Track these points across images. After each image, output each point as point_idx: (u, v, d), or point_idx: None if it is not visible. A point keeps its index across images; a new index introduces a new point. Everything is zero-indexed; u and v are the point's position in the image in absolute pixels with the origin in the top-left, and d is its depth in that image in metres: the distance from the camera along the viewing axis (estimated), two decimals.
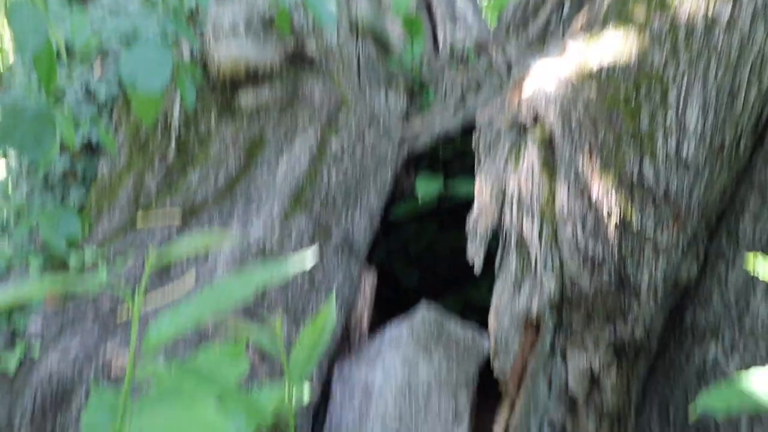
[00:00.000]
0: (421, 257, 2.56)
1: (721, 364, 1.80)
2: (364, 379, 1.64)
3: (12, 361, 1.28)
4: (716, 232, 1.90)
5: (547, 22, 2.66)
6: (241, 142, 1.85)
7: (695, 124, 1.62)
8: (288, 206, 1.66)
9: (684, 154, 1.59)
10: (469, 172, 2.60)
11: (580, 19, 2.00)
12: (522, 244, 1.47)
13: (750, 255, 1.07)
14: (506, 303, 1.43)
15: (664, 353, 1.92)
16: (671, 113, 1.61)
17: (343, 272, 1.66)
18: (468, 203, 2.29)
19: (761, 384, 0.98)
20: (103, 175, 1.79)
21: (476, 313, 2.50)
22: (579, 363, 1.45)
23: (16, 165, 1.90)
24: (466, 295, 2.52)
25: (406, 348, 1.73)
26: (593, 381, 1.45)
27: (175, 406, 0.64)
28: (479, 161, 1.73)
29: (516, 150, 1.65)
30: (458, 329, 1.79)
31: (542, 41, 2.68)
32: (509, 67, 2.60)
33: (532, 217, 1.49)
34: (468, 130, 2.40)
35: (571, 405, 1.46)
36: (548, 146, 1.61)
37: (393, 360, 1.70)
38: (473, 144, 1.79)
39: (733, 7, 1.68)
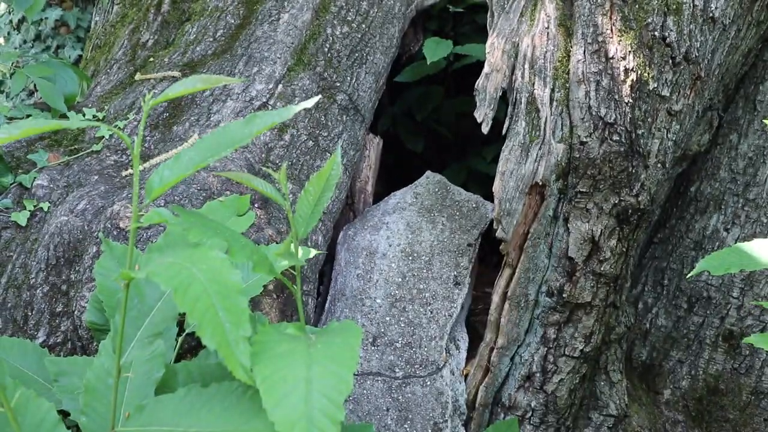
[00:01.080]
0: (427, 123, 2.51)
1: (721, 234, 1.82)
2: (368, 243, 1.66)
3: (23, 217, 1.29)
4: (733, 99, 1.84)
5: None
6: None
7: None
8: (291, 63, 1.58)
9: (712, 9, 1.49)
10: (481, 32, 2.47)
11: None
12: (532, 106, 1.42)
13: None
14: (513, 167, 1.41)
15: (665, 223, 1.94)
16: None
17: (348, 134, 1.63)
18: (477, 67, 2.20)
19: (760, 247, 0.98)
20: (96, 28, 1.70)
21: (479, 182, 2.50)
22: (581, 228, 1.45)
23: (5, 17, 1.80)
24: (470, 164, 2.50)
25: (410, 213, 1.73)
26: (594, 246, 1.47)
27: (182, 251, 0.63)
28: (492, 16, 1.63)
29: (532, 4, 1.54)
30: (462, 195, 1.78)
31: None
32: None
33: (545, 77, 1.43)
34: None
35: (570, 270, 1.49)
36: (566, 0, 1.50)
37: (397, 224, 1.72)
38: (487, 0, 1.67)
39: None
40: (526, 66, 1.45)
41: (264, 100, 1.50)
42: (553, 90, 1.41)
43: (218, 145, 0.67)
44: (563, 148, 1.41)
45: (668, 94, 1.46)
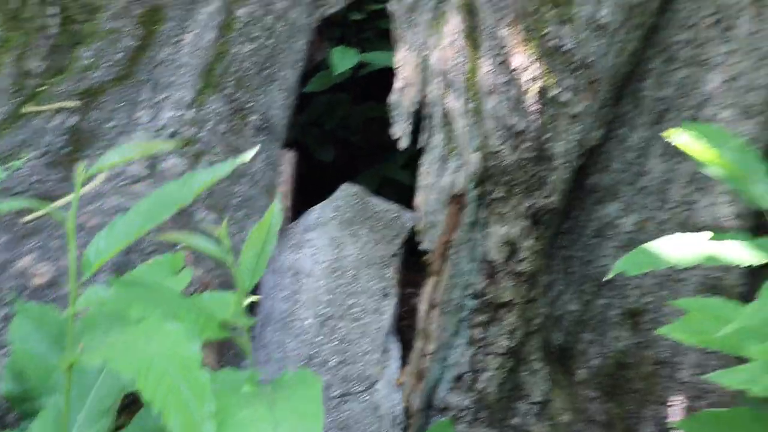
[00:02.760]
0: (336, 131, 2.50)
1: (618, 222, 1.96)
2: (293, 262, 1.64)
3: None
4: (621, 96, 1.98)
5: None
6: (135, 11, 1.64)
7: None
8: (200, 87, 1.53)
9: (601, 17, 1.59)
10: (383, 37, 2.49)
11: None
12: (447, 119, 1.46)
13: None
14: (433, 179, 1.44)
15: (568, 214, 2.06)
16: None
17: (265, 154, 1.60)
18: (383, 73, 2.22)
19: (666, 246, 1.07)
20: None
21: (393, 187, 2.53)
22: (499, 232, 1.52)
23: None
24: (382, 170, 2.53)
25: (332, 228, 1.73)
26: (512, 248, 1.54)
27: (131, 328, 0.60)
28: (397, 29, 1.65)
29: (438, 18, 1.58)
30: (381, 205, 1.81)
31: None
32: None
33: (457, 90, 1.47)
34: None
35: (492, 272, 1.55)
36: (470, 12, 1.55)
37: (320, 241, 1.71)
38: (389, 8, 1.69)
39: None
40: (439, 80, 1.48)
41: (175, 128, 1.44)
42: (465, 102, 1.46)
43: (157, 208, 0.64)
44: (478, 157, 1.46)
45: (569, 99, 1.55)
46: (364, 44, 2.43)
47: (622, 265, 1.04)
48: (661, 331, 1.02)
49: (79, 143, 1.43)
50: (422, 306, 1.59)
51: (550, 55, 1.52)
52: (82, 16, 1.71)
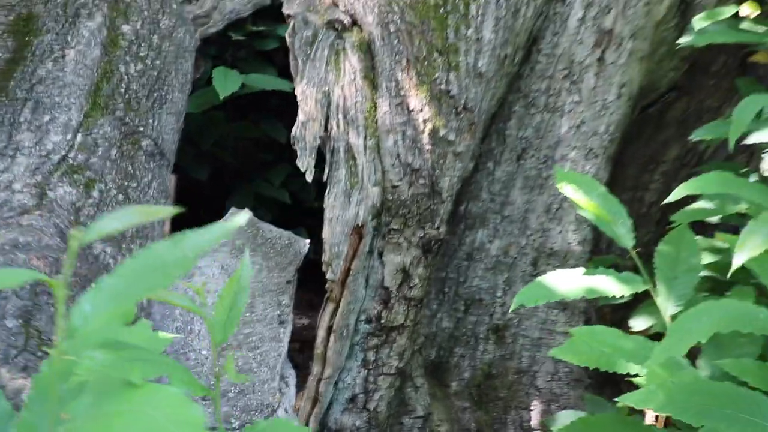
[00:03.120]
0: (210, 150, 2.45)
1: (486, 246, 2.17)
2: (183, 292, 1.59)
3: None
4: (488, 133, 2.20)
5: None
6: (2, 18, 1.50)
7: (489, 37, 1.80)
8: (87, 108, 1.43)
9: (480, 66, 1.77)
10: (259, 57, 2.49)
11: None
12: (350, 154, 1.53)
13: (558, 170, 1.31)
14: (338, 212, 1.50)
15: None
16: (472, 26, 1.75)
17: (157, 181, 1.54)
18: (259, 94, 2.23)
19: (557, 279, 1.24)
20: None
21: (267, 205, 2.54)
22: (394, 260, 1.62)
23: None
24: (257, 189, 2.53)
25: (223, 255, 1.71)
26: (405, 275, 1.65)
27: (130, 394, 0.59)
28: (295, 60, 1.68)
29: (336, 54, 1.64)
30: (273, 232, 1.81)
31: None
32: None
33: (358, 127, 1.55)
34: (259, 10, 2.27)
35: (386, 298, 1.65)
36: (367, 52, 1.64)
37: (211, 269, 1.68)
38: (288, 41, 1.72)
39: None
40: (340, 116, 1.55)
41: (63, 153, 1.34)
42: (365, 139, 1.54)
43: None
44: (378, 191, 1.55)
45: (454, 139, 1.70)
46: (242, 64, 2.42)
47: (520, 298, 1.19)
48: (553, 353, 1.18)
49: None
50: (321, 331, 1.63)
51: (439, 99, 1.66)
52: None
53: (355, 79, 1.59)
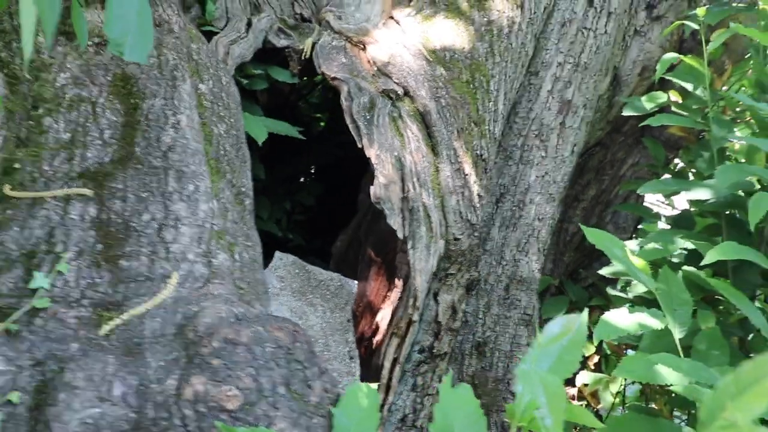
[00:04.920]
0: None
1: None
2: None
3: None
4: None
5: None
6: (101, 78, 1.51)
7: (501, 107, 2.18)
8: (210, 174, 1.52)
9: (496, 132, 2.14)
10: (248, 96, 2.61)
11: None
12: (425, 212, 1.79)
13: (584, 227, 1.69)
14: (423, 265, 1.76)
15: None
16: (492, 99, 2.11)
17: (256, 236, 1.66)
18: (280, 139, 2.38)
19: (616, 318, 1.65)
20: None
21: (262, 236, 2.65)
22: (447, 299, 1.92)
23: None
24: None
25: (286, 299, 1.86)
26: (453, 311, 1.95)
27: None
28: (356, 125, 1.89)
29: (395, 122, 1.89)
30: (323, 274, 2.00)
31: None
32: None
33: (428, 189, 1.82)
34: (258, 54, 2.42)
35: (437, 331, 1.94)
36: (424, 122, 1.91)
37: (281, 312, 1.82)
38: (344, 105, 1.91)
39: (521, 12, 2.24)
40: (414, 179, 1.81)
41: (211, 220, 1.43)
42: (434, 199, 1.82)
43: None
44: (443, 243, 1.84)
45: (484, 194, 2.05)
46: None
47: (599, 336, 1.57)
48: (616, 372, 1.59)
49: (110, 238, 1.29)
50: (386, 363, 1.87)
51: (476, 163, 1.99)
52: (26, 74, 1.47)
53: (419, 146, 1.86)
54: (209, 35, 2.25)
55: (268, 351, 1.13)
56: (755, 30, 1.90)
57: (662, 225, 3.30)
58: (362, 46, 2.11)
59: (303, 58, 2.32)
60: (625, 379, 2.81)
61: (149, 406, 1.04)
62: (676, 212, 2.79)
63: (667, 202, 3.36)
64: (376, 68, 2.01)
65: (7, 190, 1.28)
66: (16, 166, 1.34)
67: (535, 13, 2.31)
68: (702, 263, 1.69)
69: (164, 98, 1.56)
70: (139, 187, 1.39)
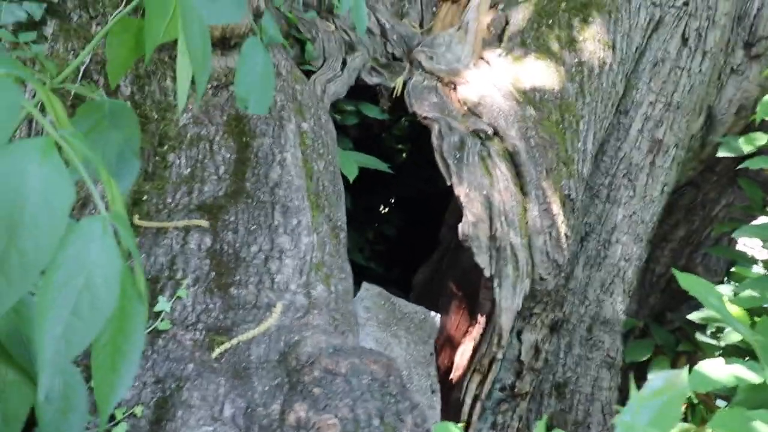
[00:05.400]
0: None
1: None
2: None
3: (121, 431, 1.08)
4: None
5: None
6: (217, 118, 1.65)
7: (590, 148, 2.18)
8: (311, 209, 1.62)
9: (584, 172, 2.14)
10: (340, 131, 2.73)
11: (481, 22, 2.29)
12: (512, 251, 1.82)
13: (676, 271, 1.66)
14: (509, 303, 1.78)
15: None
16: (581, 139, 2.13)
17: (347, 268, 1.74)
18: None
19: (709, 369, 1.60)
20: None
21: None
22: (530, 339, 1.93)
23: None
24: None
25: (371, 329, 1.92)
26: (536, 350, 1.95)
27: None
28: (446, 163, 1.95)
29: (484, 161, 1.94)
30: (408, 307, 2.05)
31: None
32: (382, 31, 2.72)
33: (516, 228, 1.85)
34: (350, 91, 2.52)
35: (520, 370, 1.95)
36: (513, 162, 1.95)
37: (367, 342, 1.88)
38: (435, 143, 1.98)
39: (613, 53, 2.24)
40: (503, 219, 1.84)
41: (311, 253, 1.52)
42: (521, 238, 1.85)
43: None
44: (528, 282, 1.85)
45: (570, 234, 2.05)
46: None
47: (693, 386, 1.53)
48: (711, 426, 1.54)
49: (221, 266, 1.41)
50: (468, 399, 1.89)
51: (564, 203, 2.00)
52: (155, 114, 1.63)
53: (508, 185, 1.89)
54: (308, 74, 2.39)
55: (364, 383, 1.19)
56: None
57: (757, 269, 3.15)
58: (453, 86, 2.17)
59: (393, 95, 2.42)
60: None
61: (255, 428, 1.12)
62: None
63: (763, 245, 3.21)
64: (466, 108, 2.07)
65: (136, 220, 1.42)
66: (144, 198, 1.49)
67: (626, 53, 2.31)
68: None
69: (272, 137, 1.68)
70: (249, 220, 1.50)
